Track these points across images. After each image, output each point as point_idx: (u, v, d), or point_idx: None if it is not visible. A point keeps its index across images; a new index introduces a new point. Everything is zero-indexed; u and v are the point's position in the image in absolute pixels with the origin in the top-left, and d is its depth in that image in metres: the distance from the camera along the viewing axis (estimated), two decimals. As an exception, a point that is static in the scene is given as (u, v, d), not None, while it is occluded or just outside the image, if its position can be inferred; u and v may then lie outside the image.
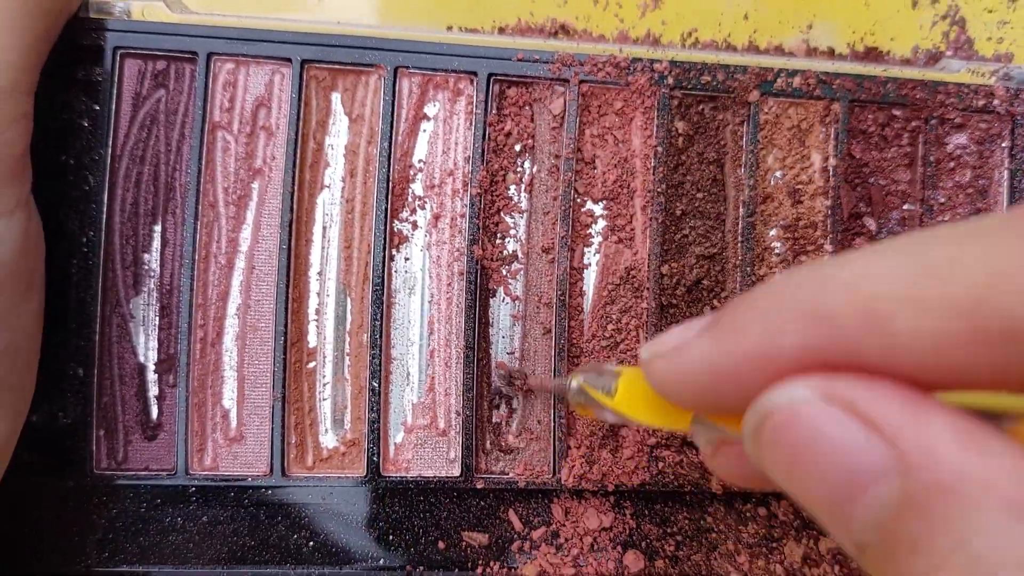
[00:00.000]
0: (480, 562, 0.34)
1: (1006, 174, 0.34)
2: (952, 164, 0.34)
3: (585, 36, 0.35)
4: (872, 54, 0.36)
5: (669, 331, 0.20)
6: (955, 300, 0.13)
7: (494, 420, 0.34)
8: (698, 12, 0.35)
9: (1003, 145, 0.34)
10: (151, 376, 0.34)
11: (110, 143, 0.33)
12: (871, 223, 0.33)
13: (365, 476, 0.33)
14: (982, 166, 0.34)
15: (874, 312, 0.14)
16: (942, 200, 0.34)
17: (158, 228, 0.34)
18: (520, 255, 0.34)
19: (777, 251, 0.34)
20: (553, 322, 0.33)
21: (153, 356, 0.34)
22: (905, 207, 0.34)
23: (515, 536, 0.34)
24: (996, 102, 0.33)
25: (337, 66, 0.33)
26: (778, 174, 0.34)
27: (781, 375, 0.16)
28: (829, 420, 0.14)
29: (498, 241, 0.34)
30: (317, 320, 0.34)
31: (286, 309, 0.33)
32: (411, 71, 0.33)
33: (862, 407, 0.14)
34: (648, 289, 0.33)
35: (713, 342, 0.17)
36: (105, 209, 0.33)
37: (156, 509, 0.33)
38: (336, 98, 0.34)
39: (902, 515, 0.13)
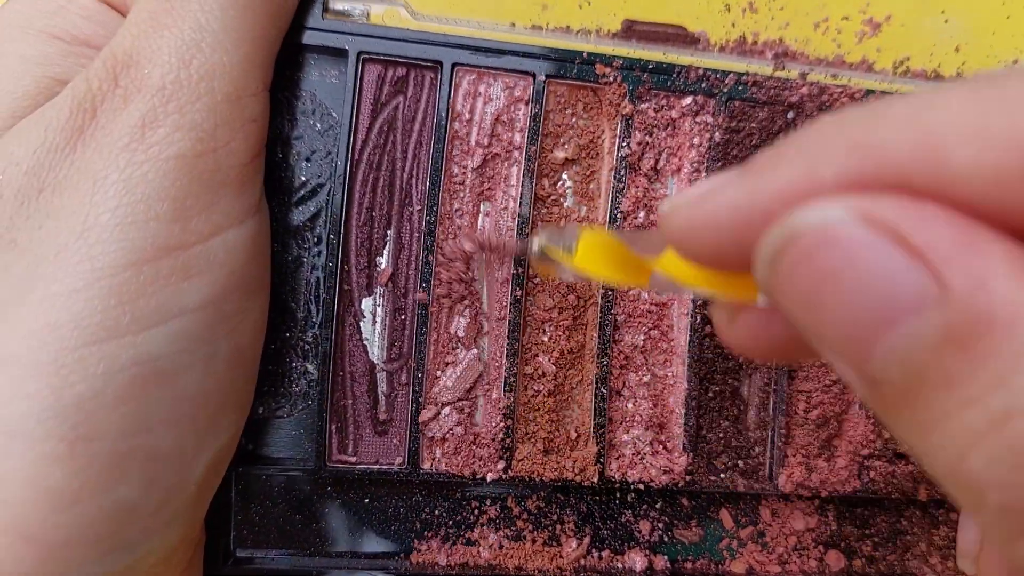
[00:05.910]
0: (690, 557, 0.36)
1: None
2: None
3: (804, 59, 0.36)
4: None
5: (694, 185, 0.18)
6: None
7: (718, 432, 0.36)
8: (913, 41, 0.36)
9: None
10: (380, 374, 0.35)
11: (349, 147, 0.34)
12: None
13: (596, 481, 0.35)
14: None
15: (931, 143, 0.12)
16: None
17: (391, 232, 0.35)
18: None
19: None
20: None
21: (383, 355, 0.35)
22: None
23: (724, 534, 0.36)
24: None
25: (577, 82, 0.34)
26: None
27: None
28: (865, 244, 0.13)
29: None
30: (549, 331, 0.35)
31: (521, 315, 0.34)
32: (653, 90, 0.34)
33: (906, 230, 0.12)
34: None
35: (744, 183, 0.15)
36: (344, 213, 0.34)
37: (380, 500, 0.35)
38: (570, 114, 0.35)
39: (938, 350, 0.12)
